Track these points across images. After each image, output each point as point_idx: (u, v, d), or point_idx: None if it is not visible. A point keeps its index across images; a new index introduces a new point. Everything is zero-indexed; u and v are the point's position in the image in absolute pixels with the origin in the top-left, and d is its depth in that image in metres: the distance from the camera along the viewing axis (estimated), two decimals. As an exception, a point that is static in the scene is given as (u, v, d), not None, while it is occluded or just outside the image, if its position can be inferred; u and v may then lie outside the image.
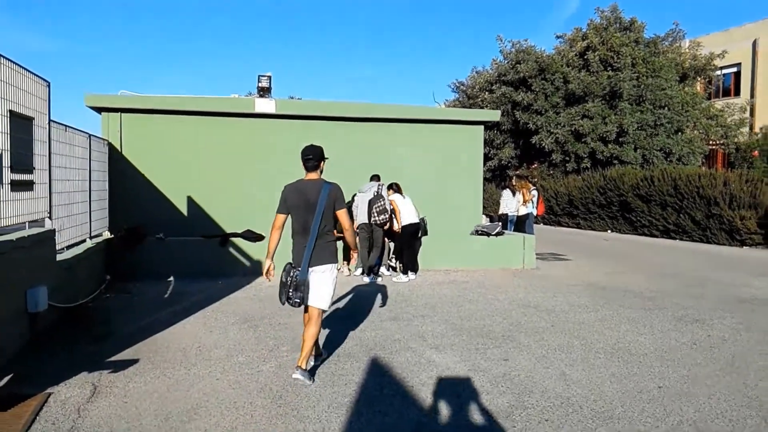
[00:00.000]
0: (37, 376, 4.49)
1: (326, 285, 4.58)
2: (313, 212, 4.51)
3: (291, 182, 4.72)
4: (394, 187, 9.49)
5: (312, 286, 4.52)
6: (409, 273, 9.34)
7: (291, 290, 4.47)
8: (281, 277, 4.54)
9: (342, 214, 4.66)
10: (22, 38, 74.20)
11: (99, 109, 9.75)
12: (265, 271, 4.67)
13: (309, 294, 4.50)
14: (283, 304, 4.55)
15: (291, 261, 4.58)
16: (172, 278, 8.83)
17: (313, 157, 4.66)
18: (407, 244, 9.45)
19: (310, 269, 4.51)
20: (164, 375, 4.59)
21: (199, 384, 4.40)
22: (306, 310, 4.67)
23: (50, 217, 6.09)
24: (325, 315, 6.43)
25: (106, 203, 9.18)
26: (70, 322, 6.17)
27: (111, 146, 9.68)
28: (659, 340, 5.83)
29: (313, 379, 4.56)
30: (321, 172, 4.76)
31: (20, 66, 5.31)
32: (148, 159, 10.02)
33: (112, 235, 8.98)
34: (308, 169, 4.70)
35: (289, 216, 4.63)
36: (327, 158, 4.84)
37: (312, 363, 4.80)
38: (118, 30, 73.75)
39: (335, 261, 4.69)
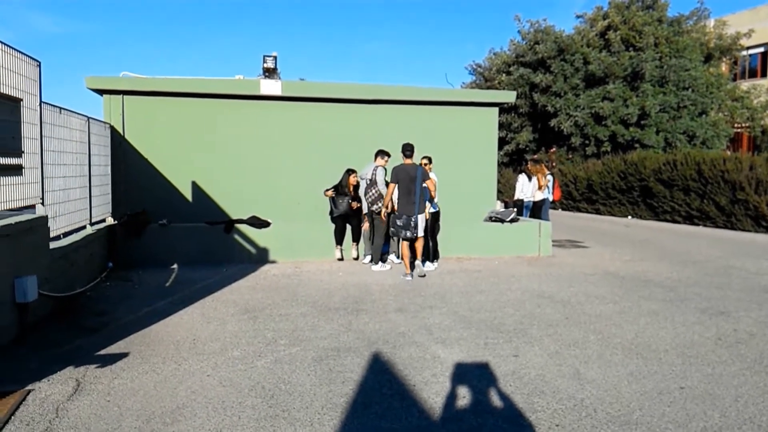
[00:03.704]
0: (20, 371, 4.28)
1: (423, 223, 8.11)
2: (414, 182, 7.90)
3: (398, 165, 8.07)
4: (429, 161, 9.01)
5: (418, 225, 8.01)
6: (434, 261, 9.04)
7: (412, 227, 7.92)
8: (399, 223, 8.01)
9: (429, 183, 8.07)
10: (31, 21, 74.34)
11: (100, 92, 9.46)
12: (389, 213, 8.40)
13: (417, 229, 8.00)
14: (404, 238, 8.03)
15: (403, 212, 7.98)
16: (176, 266, 8.63)
17: (411, 151, 8.05)
18: (432, 230, 9.03)
19: (418, 216, 7.94)
20: (153, 371, 4.36)
21: (188, 381, 4.16)
22: (410, 238, 8.06)
23: (43, 203, 5.87)
24: (329, 304, 6.39)
25: (108, 188, 8.94)
26: (64, 312, 5.96)
27: (113, 130, 9.42)
28: (681, 334, 5.47)
29: (424, 275, 8.15)
30: (412, 157, 8.08)
31: (4, 44, 5.05)
32: (151, 143, 9.77)
33: (115, 221, 8.78)
34: (407, 157, 8.03)
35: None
36: (415, 151, 8.15)
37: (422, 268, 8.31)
38: (125, 10, 72.80)
39: (424, 211, 8.19)
